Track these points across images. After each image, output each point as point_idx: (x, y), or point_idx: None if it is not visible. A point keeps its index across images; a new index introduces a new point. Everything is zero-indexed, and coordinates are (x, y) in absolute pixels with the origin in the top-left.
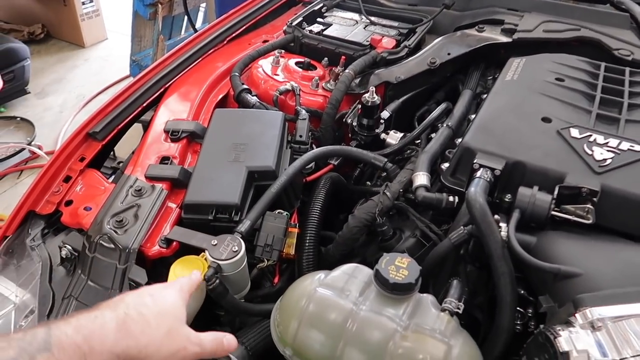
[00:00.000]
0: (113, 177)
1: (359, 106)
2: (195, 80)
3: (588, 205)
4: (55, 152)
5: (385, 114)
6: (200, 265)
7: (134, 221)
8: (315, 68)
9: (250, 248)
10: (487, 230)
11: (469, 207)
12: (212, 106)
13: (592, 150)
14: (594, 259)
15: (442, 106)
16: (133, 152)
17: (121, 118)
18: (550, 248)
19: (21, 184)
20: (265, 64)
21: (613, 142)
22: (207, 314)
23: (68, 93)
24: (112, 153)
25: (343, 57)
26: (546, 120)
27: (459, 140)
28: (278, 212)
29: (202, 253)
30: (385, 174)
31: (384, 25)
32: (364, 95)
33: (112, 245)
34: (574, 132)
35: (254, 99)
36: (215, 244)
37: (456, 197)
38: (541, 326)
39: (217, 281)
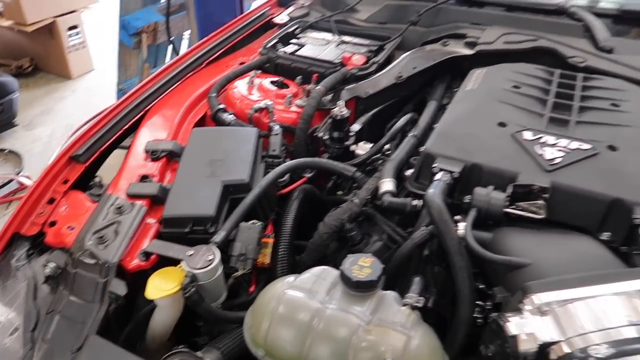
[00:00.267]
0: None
1: (330, 120)
2: (174, 102)
3: (539, 202)
4: (39, 176)
5: (356, 127)
6: (178, 275)
7: (114, 237)
8: (289, 86)
9: (225, 258)
10: (444, 228)
11: (427, 207)
12: (190, 126)
13: (543, 151)
14: (542, 250)
15: (407, 117)
16: None
17: (103, 140)
18: (504, 242)
19: (10, 215)
20: (241, 84)
21: (563, 142)
22: (186, 324)
23: (56, 124)
24: (98, 180)
25: (315, 75)
26: (502, 125)
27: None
28: (252, 223)
29: (180, 264)
30: (355, 183)
31: (355, 44)
32: (333, 110)
33: (93, 261)
34: (527, 135)
35: (230, 118)
36: (192, 254)
37: (420, 201)
38: (494, 314)
39: (193, 289)
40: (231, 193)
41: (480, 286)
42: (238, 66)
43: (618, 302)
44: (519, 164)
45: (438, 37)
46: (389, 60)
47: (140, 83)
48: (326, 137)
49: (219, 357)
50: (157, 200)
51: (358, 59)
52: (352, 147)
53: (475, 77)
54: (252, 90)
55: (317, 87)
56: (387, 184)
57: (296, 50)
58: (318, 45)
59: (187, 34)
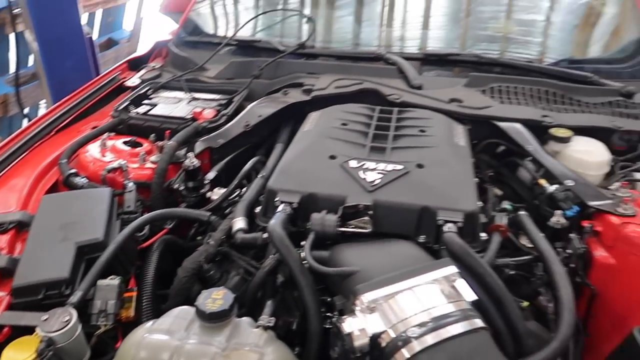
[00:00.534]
0: None
1: (183, 172)
2: (22, 172)
3: (366, 218)
4: None
5: (210, 175)
6: (33, 343)
7: None
8: (142, 145)
9: (86, 318)
10: (285, 252)
11: (269, 236)
12: (41, 195)
13: (366, 175)
14: (369, 257)
15: (253, 160)
16: None
17: None
18: (339, 257)
19: None
20: (93, 148)
21: (381, 166)
22: None
23: None
24: None
25: (168, 131)
26: (332, 157)
27: None
28: (110, 279)
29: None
30: (211, 226)
31: (205, 99)
32: (184, 162)
33: None
34: (352, 163)
35: (82, 181)
36: (47, 319)
37: None
38: (334, 319)
39: (51, 353)
40: (87, 253)
41: (328, 299)
42: (90, 131)
43: (428, 289)
44: (346, 189)
45: (280, 87)
46: (238, 112)
47: None
48: (182, 187)
49: None
50: (6, 273)
51: (209, 113)
52: (208, 194)
53: (312, 119)
54: (105, 153)
55: (169, 143)
56: (239, 223)
57: (149, 110)
58: (170, 104)
59: (43, 103)
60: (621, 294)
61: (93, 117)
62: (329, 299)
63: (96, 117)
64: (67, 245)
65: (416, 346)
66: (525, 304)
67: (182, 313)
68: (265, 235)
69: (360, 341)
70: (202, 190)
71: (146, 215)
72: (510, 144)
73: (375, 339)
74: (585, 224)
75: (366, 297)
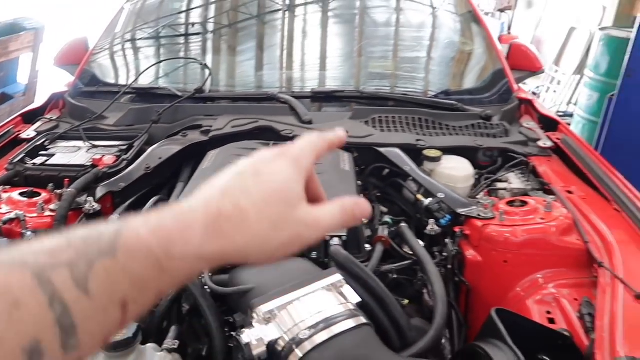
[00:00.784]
0: None
1: (83, 216)
2: None
3: None
4: None
5: (114, 218)
6: None
7: None
8: (41, 194)
9: None
10: None
11: None
12: None
13: None
14: (263, 275)
15: (154, 199)
16: None
17: None
18: (237, 278)
19: None
20: None
21: None
22: None
23: None
24: None
25: (66, 179)
26: None
27: None
28: None
29: None
30: None
31: (105, 146)
32: (84, 207)
33: None
34: None
35: None
36: None
37: None
38: (233, 333)
39: None
40: None
41: (231, 320)
42: None
43: (317, 296)
44: None
45: (179, 130)
46: (139, 156)
47: None
48: None
49: None
50: None
51: (108, 159)
52: None
53: (210, 157)
54: (0, 205)
55: (68, 190)
56: None
57: (46, 161)
58: (68, 153)
59: None
60: (488, 286)
61: None
62: (232, 320)
63: None
64: None
65: (307, 346)
66: (406, 301)
67: None
68: None
69: (259, 349)
70: None
71: None
72: (391, 166)
73: (272, 345)
74: (457, 229)
75: (261, 309)
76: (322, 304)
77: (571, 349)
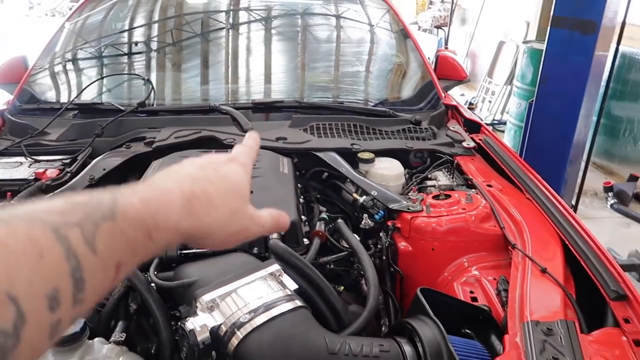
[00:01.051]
0: None
1: None
2: None
3: None
4: None
5: None
6: None
7: None
8: None
9: None
10: (131, 276)
11: None
12: None
13: None
14: (206, 268)
15: None
16: None
17: None
18: (181, 273)
19: None
20: None
21: None
22: None
23: None
24: None
25: (9, 193)
26: None
27: None
28: None
29: None
30: None
31: (48, 161)
32: None
33: None
34: None
35: None
36: None
37: None
38: (179, 322)
39: None
40: None
41: (177, 314)
42: None
43: (257, 284)
44: None
45: (123, 142)
46: (83, 168)
47: None
48: None
49: None
50: None
51: (52, 172)
52: None
53: (153, 166)
54: None
55: (11, 202)
56: None
57: None
58: (10, 168)
59: None
60: (420, 273)
61: None
62: (177, 314)
63: None
64: None
65: (248, 327)
66: (342, 288)
67: None
68: None
69: (202, 335)
70: None
71: None
72: (329, 169)
73: (215, 331)
74: (389, 223)
75: (204, 299)
76: (262, 291)
77: (490, 321)
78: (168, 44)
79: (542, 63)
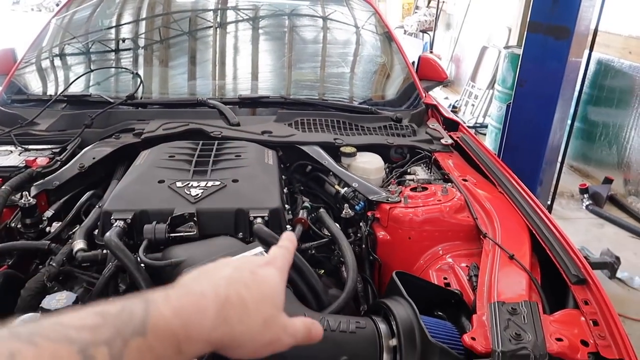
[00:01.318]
0: None
1: (18, 210)
2: None
3: (191, 224)
4: None
5: (48, 213)
6: None
7: None
8: None
9: None
10: (122, 255)
11: (106, 245)
12: None
13: (190, 191)
14: (193, 250)
15: (87, 195)
16: None
17: None
18: (169, 254)
19: None
20: None
21: (202, 183)
22: None
23: None
24: None
25: (0, 179)
26: (161, 182)
27: None
28: None
29: None
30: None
31: (38, 150)
32: (20, 200)
33: None
34: (178, 184)
35: None
36: None
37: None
38: None
39: None
40: None
41: None
42: None
43: None
44: (174, 203)
45: (112, 133)
46: (72, 157)
47: None
48: (19, 225)
49: None
50: None
51: (42, 160)
52: (47, 229)
53: (143, 155)
54: None
55: (2, 187)
56: (79, 244)
57: None
58: (0, 157)
59: None
60: (397, 260)
61: None
62: None
63: None
64: None
65: None
66: (322, 271)
67: (28, 318)
68: (105, 250)
69: None
70: (41, 226)
71: None
72: (313, 162)
73: None
74: (369, 213)
75: None
76: None
77: (461, 304)
78: (156, 41)
79: (519, 66)
